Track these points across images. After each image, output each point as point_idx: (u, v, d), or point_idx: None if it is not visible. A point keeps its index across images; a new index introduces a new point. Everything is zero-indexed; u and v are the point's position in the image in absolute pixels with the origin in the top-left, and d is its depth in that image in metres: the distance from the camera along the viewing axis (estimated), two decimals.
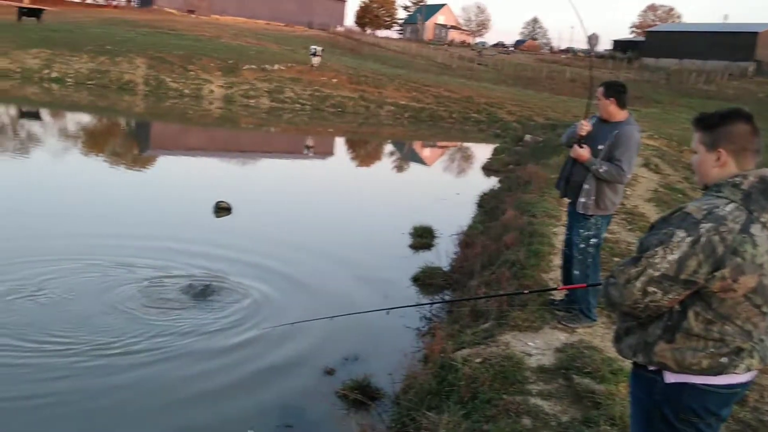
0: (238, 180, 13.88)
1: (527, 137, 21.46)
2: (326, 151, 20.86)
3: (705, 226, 2.04)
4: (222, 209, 9.72)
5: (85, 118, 21.38)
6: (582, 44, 69.33)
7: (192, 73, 27.95)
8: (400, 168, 19.19)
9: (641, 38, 71.38)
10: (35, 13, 35.02)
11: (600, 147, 4.73)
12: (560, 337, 4.76)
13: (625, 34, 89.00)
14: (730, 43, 56.88)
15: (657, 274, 2.07)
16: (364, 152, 21.75)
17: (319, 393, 5.02)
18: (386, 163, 20.27)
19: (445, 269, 7.91)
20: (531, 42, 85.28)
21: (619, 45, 70.97)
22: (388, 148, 23.37)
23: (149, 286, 6.57)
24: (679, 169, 15.86)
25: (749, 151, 2.19)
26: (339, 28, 67.55)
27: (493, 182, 14.38)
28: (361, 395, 4.85)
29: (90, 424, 4.45)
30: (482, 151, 21.09)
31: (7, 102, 22.30)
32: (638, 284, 2.09)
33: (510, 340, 4.66)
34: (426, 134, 26.67)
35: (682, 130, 26.79)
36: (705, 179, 2.26)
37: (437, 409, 3.93)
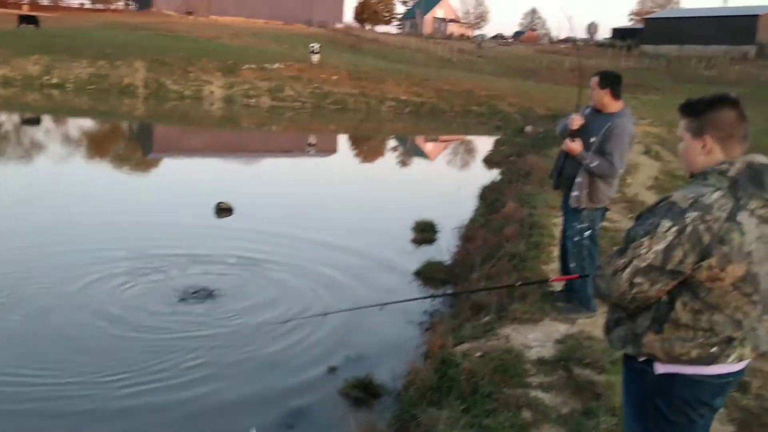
0: (241, 180, 13.86)
1: (528, 128, 21.40)
2: (329, 149, 20.84)
3: (691, 215, 2.02)
4: (223, 210, 9.74)
5: (87, 123, 21.44)
6: (582, 33, 68.93)
7: (192, 74, 27.97)
8: (402, 164, 19.16)
9: (640, 25, 70.94)
10: (33, 20, 35.11)
11: (592, 140, 4.69)
12: (560, 329, 4.76)
13: (625, 21, 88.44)
14: (730, 27, 56.46)
15: (643, 264, 2.05)
16: (366, 149, 21.72)
17: (321, 391, 5.02)
18: (388, 159, 20.23)
19: (446, 263, 7.92)
20: (530, 33, 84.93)
21: (619, 33, 70.61)
22: (390, 143, 23.34)
23: (139, 291, 6.59)
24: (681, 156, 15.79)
25: (736, 138, 2.15)
26: (338, 25, 67.44)
27: (494, 175, 14.33)
28: (363, 393, 4.86)
29: None
30: (484, 144, 21.05)
31: (10, 109, 22.38)
32: (625, 275, 2.08)
33: (510, 333, 4.66)
34: (427, 129, 26.63)
35: None
36: (691, 167, 2.24)
37: (438, 404, 3.93)
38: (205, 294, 6.56)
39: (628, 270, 2.07)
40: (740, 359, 2.13)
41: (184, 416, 4.64)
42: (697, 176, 2.18)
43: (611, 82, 4.71)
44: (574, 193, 4.81)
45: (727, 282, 2.03)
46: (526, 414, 3.63)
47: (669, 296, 2.10)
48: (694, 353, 2.09)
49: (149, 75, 27.53)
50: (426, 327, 6.26)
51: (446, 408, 3.61)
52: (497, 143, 19.61)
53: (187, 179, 13.48)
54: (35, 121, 20.64)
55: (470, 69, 43.93)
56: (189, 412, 4.69)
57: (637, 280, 2.07)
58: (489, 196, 11.27)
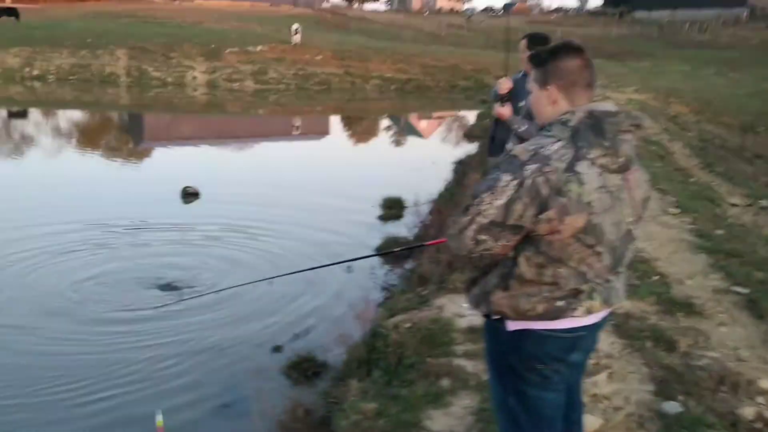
0: (227, 165, 13.61)
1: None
2: (319, 131, 20.46)
3: (530, 168, 1.95)
4: (189, 194, 9.68)
5: (75, 115, 21.18)
6: (573, 3, 68.30)
7: (174, 60, 27.75)
8: (393, 143, 18.97)
9: None
10: (13, 12, 34.68)
11: (521, 104, 4.59)
12: None
13: None
14: None
15: (486, 221, 1.98)
16: (356, 130, 21.37)
17: (265, 370, 5.01)
18: (373, 138, 20.04)
19: (407, 239, 7.87)
20: (521, 4, 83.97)
21: (611, 0, 69.81)
22: (374, 123, 23.10)
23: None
24: (661, 121, 15.68)
25: (580, 86, 2.08)
26: (325, 4, 66.81)
27: (473, 148, 14.23)
28: (304, 371, 4.85)
29: None
30: (472, 119, 20.87)
31: None
32: (469, 233, 2.00)
33: (445, 303, 4.62)
34: (414, 106, 26.42)
35: (672, 82, 26.45)
36: (540, 119, 2.16)
37: (366, 378, 3.90)
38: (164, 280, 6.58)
39: (472, 227, 2.00)
40: (589, 312, 2.06)
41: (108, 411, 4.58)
42: (545, 128, 2.10)
43: (538, 44, 4.59)
44: None
45: (566, 234, 1.96)
46: (445, 382, 3.60)
47: (514, 252, 2.04)
48: (540, 308, 2.03)
49: (131, 63, 27.32)
50: (379, 303, 6.24)
51: (355, 380, 3.57)
52: (479, 117, 19.47)
53: (174, 168, 13.21)
54: (22, 114, 20.44)
55: (459, 43, 43.53)
56: (117, 394, 4.66)
57: (482, 236, 2.00)
58: (460, 170, 11.19)
